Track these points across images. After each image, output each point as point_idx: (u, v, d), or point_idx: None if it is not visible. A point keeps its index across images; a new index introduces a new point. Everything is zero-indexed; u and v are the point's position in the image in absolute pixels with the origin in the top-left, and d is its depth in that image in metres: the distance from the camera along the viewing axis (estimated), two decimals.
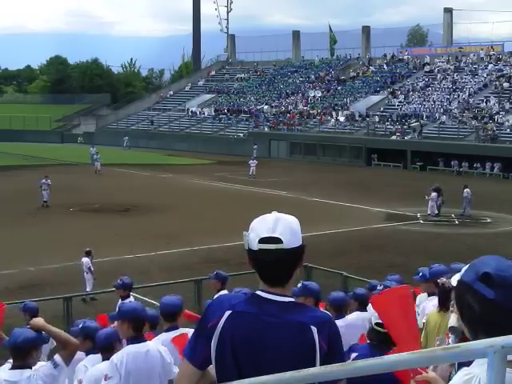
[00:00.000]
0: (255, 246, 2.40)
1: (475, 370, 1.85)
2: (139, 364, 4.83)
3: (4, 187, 34.15)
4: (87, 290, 15.69)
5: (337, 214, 28.00)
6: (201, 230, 23.71)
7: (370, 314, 4.21)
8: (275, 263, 2.41)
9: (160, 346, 5.12)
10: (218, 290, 8.64)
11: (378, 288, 7.18)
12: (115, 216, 27.04)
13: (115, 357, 4.94)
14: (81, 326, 6.12)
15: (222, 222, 24.93)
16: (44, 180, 29.12)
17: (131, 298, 9.04)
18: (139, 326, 4.97)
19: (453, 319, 4.64)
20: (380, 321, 3.96)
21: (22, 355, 4.47)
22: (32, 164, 47.97)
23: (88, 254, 16.22)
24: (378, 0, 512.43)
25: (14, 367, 4.52)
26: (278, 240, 2.39)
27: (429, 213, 27.04)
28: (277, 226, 2.42)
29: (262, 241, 2.39)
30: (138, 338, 4.94)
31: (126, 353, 4.90)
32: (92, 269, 15.98)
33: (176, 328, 5.77)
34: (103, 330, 5.77)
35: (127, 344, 5.04)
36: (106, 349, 5.35)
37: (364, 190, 34.73)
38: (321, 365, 2.33)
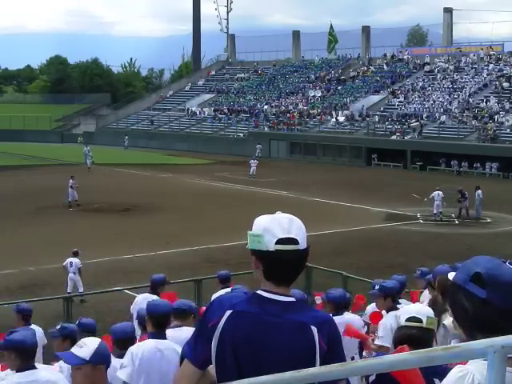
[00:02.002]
0: (272, 246, 2.39)
1: (470, 367, 1.86)
2: (154, 360, 4.88)
3: (4, 187, 34.15)
4: (80, 290, 15.60)
5: (337, 214, 27.99)
6: (201, 230, 23.71)
7: (399, 315, 4.06)
8: (290, 264, 2.42)
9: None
10: (222, 288, 8.77)
11: (376, 288, 7.18)
12: (115, 216, 27.04)
13: (133, 347, 5.07)
14: (59, 326, 6.16)
15: (221, 221, 24.93)
16: (72, 180, 29.68)
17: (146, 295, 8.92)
18: (159, 323, 5.05)
19: (449, 321, 4.66)
20: (414, 315, 3.85)
21: (31, 356, 4.43)
22: (32, 164, 47.98)
23: (76, 254, 16.13)
24: (378, 0, 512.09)
25: (21, 369, 4.39)
26: (294, 241, 2.41)
27: (434, 212, 26.94)
28: (291, 226, 2.43)
29: (280, 242, 2.39)
30: (158, 334, 5.01)
31: (144, 347, 4.99)
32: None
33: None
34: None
35: (147, 338, 5.14)
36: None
37: (364, 189, 34.72)
38: (321, 365, 2.34)
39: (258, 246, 2.41)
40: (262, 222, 2.45)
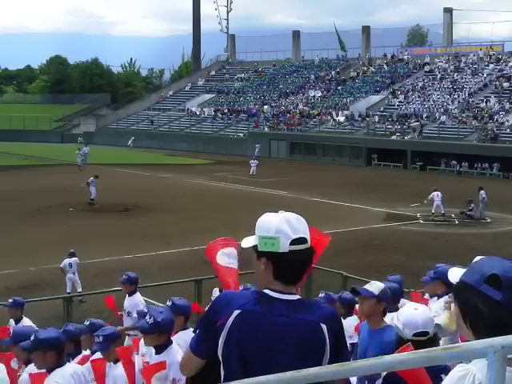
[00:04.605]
0: (287, 248, 2.40)
1: (471, 367, 1.85)
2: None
3: (4, 187, 34.14)
4: (79, 290, 15.58)
5: (337, 213, 27.97)
6: (201, 230, 23.66)
7: (398, 325, 3.85)
8: (301, 263, 2.45)
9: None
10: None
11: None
12: (115, 216, 27.03)
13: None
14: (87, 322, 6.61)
15: (222, 221, 24.89)
16: (93, 178, 29.80)
17: (138, 294, 8.93)
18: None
19: (443, 318, 4.65)
20: (421, 329, 3.72)
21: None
22: (32, 164, 47.96)
23: (73, 255, 16.06)
24: (378, 0, 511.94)
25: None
26: (305, 240, 2.43)
27: (433, 211, 26.90)
28: (300, 225, 2.45)
29: (293, 242, 2.40)
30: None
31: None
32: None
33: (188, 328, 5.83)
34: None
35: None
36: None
37: (364, 189, 34.70)
38: (330, 357, 2.40)
39: (272, 248, 2.40)
40: (272, 224, 2.42)
